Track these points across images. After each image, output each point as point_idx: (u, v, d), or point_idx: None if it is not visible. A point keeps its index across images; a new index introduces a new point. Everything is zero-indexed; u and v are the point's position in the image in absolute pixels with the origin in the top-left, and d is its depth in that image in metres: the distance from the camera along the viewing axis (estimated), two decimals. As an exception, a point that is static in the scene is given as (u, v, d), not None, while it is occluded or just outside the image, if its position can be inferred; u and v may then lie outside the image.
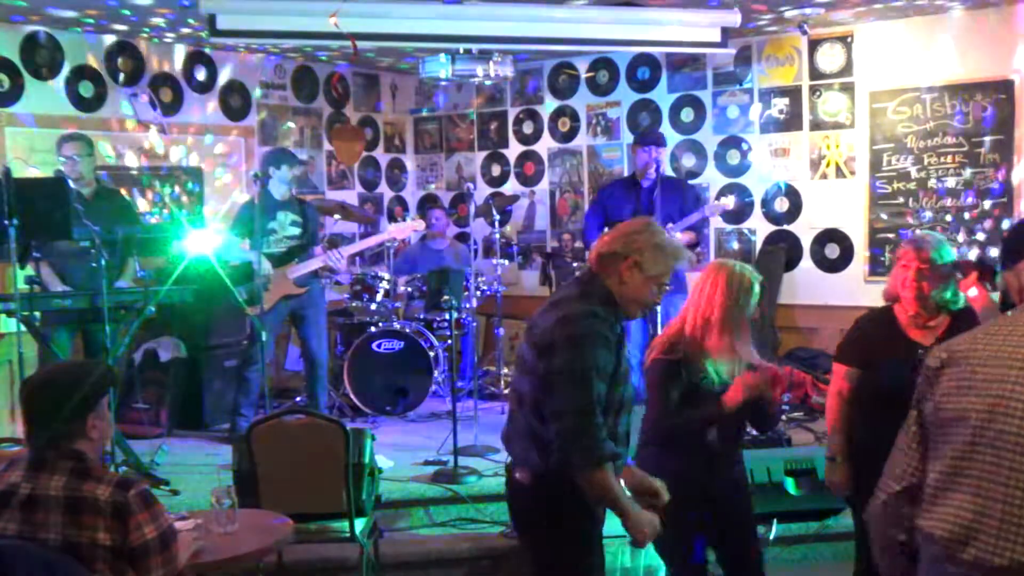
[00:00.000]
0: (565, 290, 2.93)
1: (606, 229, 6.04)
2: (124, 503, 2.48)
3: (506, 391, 7.04)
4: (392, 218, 8.66)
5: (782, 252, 7.17)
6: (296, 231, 6.16)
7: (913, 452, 2.16)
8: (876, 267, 6.85)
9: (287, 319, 6.31)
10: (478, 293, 6.87)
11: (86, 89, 6.50)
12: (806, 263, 7.14)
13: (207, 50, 7.09)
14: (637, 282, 2.84)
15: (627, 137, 7.81)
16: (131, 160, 6.76)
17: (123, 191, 6.46)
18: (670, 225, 6.03)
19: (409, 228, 6.78)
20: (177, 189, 7.04)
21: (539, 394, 2.76)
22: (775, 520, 4.38)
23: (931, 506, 2.06)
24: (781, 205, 7.23)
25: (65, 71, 6.39)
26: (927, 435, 2.12)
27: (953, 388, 2.06)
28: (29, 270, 5.10)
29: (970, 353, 2.07)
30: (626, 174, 7.29)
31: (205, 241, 6.17)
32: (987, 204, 6.46)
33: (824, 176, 7.02)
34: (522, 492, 2.88)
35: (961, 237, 6.54)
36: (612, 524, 2.92)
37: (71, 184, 5.26)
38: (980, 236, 6.49)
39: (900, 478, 2.16)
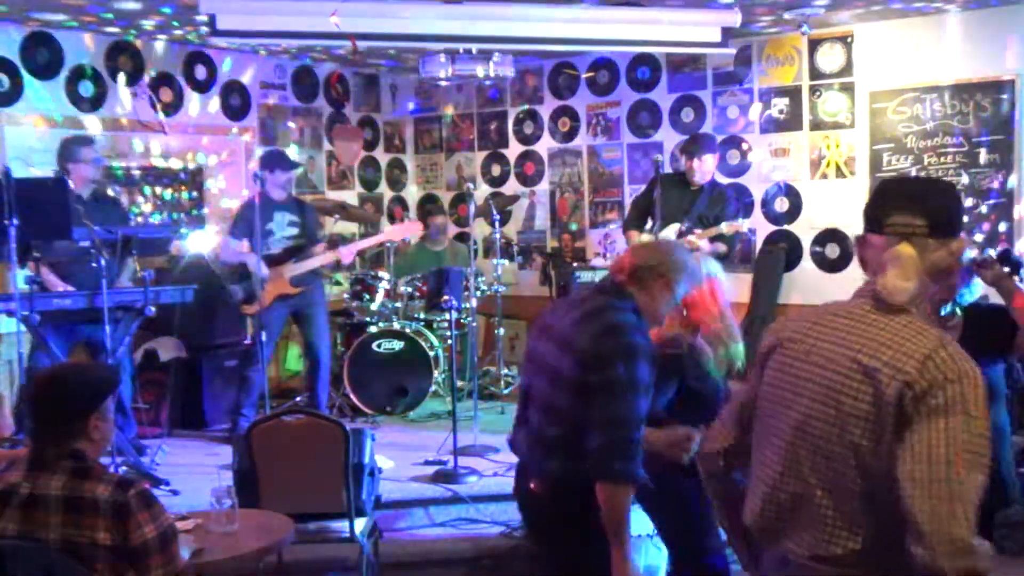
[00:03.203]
0: (596, 298, 2.87)
1: (649, 222, 6.18)
2: (124, 503, 2.48)
3: (506, 391, 7.05)
4: (392, 219, 8.66)
5: (782, 252, 7.17)
6: (294, 231, 6.16)
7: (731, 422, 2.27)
8: (876, 267, 6.83)
9: (288, 319, 6.30)
10: (478, 293, 6.87)
11: (86, 89, 6.50)
12: (806, 263, 7.13)
13: (208, 42, 7.06)
14: (664, 300, 2.88)
15: (627, 137, 7.81)
16: (131, 160, 6.75)
17: (124, 192, 6.46)
18: (697, 231, 5.98)
19: (408, 230, 6.78)
20: (177, 188, 7.04)
21: (574, 402, 2.72)
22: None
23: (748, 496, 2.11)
24: (781, 205, 7.23)
25: (65, 71, 6.39)
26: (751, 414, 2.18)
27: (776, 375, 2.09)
28: (28, 270, 5.09)
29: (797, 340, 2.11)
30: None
31: (204, 241, 6.17)
32: (987, 205, 6.46)
33: (824, 176, 7.01)
34: (538, 503, 2.86)
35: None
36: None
37: (70, 186, 5.25)
38: (978, 237, 6.48)
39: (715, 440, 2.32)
